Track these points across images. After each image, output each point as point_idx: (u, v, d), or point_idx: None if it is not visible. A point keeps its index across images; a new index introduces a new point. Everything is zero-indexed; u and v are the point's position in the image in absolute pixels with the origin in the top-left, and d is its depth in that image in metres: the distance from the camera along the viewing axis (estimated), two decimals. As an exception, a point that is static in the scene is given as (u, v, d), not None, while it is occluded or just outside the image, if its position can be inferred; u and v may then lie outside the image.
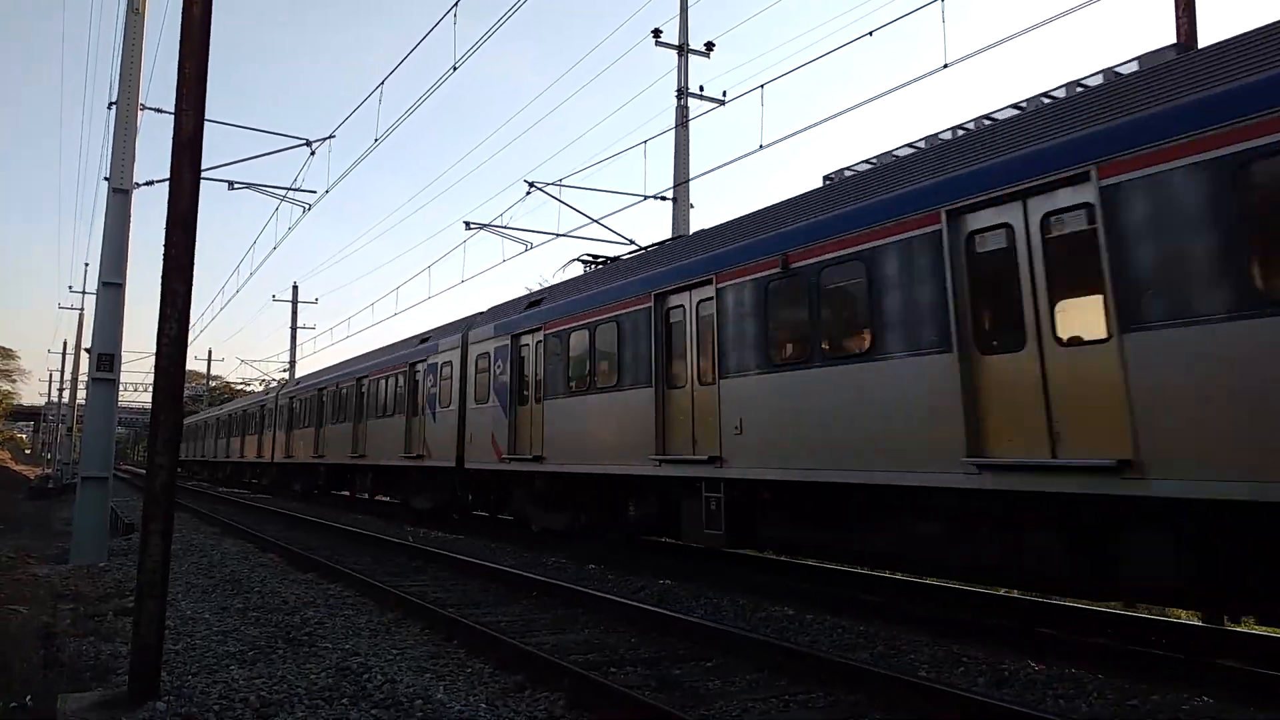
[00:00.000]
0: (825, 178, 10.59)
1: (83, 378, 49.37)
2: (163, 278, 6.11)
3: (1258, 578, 6.16)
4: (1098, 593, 7.67)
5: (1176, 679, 6.34)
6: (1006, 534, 7.61)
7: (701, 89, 19.52)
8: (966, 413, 7.59)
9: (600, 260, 16.46)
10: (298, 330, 50.09)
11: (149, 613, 5.77)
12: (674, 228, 19.05)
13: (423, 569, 12.69)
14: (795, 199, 10.69)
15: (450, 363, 18.74)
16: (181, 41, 6.34)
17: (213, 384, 79.55)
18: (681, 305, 11.75)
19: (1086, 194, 6.89)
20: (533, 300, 16.32)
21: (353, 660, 6.94)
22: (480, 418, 17.02)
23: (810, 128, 15.21)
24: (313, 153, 18.83)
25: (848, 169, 10.32)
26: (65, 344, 74.87)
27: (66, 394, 62.01)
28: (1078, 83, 8.08)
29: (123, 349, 14.26)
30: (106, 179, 14.50)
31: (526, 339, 15.88)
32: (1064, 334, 7.10)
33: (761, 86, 15.24)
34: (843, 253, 9.02)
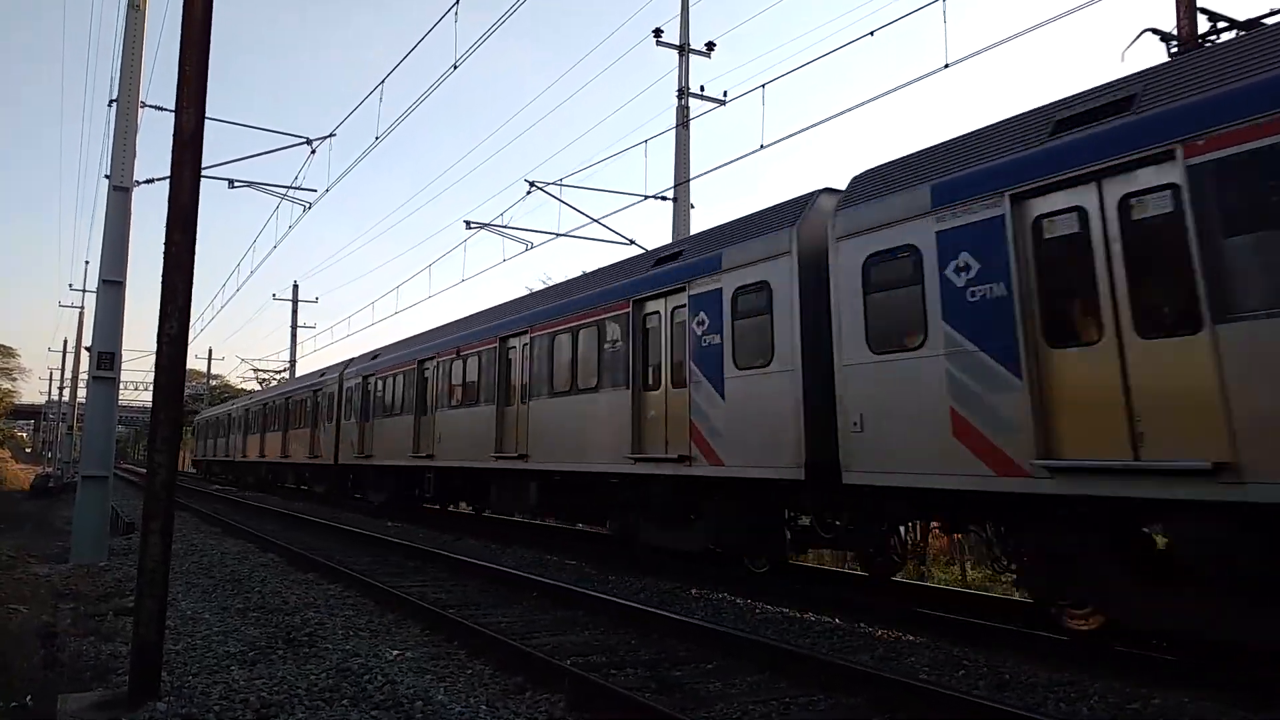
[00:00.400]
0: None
1: (83, 376, 49.44)
2: (163, 276, 6.10)
3: None
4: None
5: (1177, 682, 6.33)
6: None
7: (702, 89, 19.53)
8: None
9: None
10: (298, 329, 50.14)
11: (149, 612, 5.76)
12: (674, 228, 19.04)
13: (422, 569, 12.68)
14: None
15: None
16: (182, 39, 6.33)
17: (213, 382, 79.49)
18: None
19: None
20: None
21: (353, 661, 6.93)
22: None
23: (811, 128, 15.28)
24: (313, 151, 18.85)
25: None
26: (65, 342, 74.92)
27: (67, 392, 62.03)
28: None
29: (123, 347, 14.25)
30: (107, 176, 14.49)
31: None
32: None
33: (762, 86, 15.25)
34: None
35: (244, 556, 14.11)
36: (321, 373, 30.21)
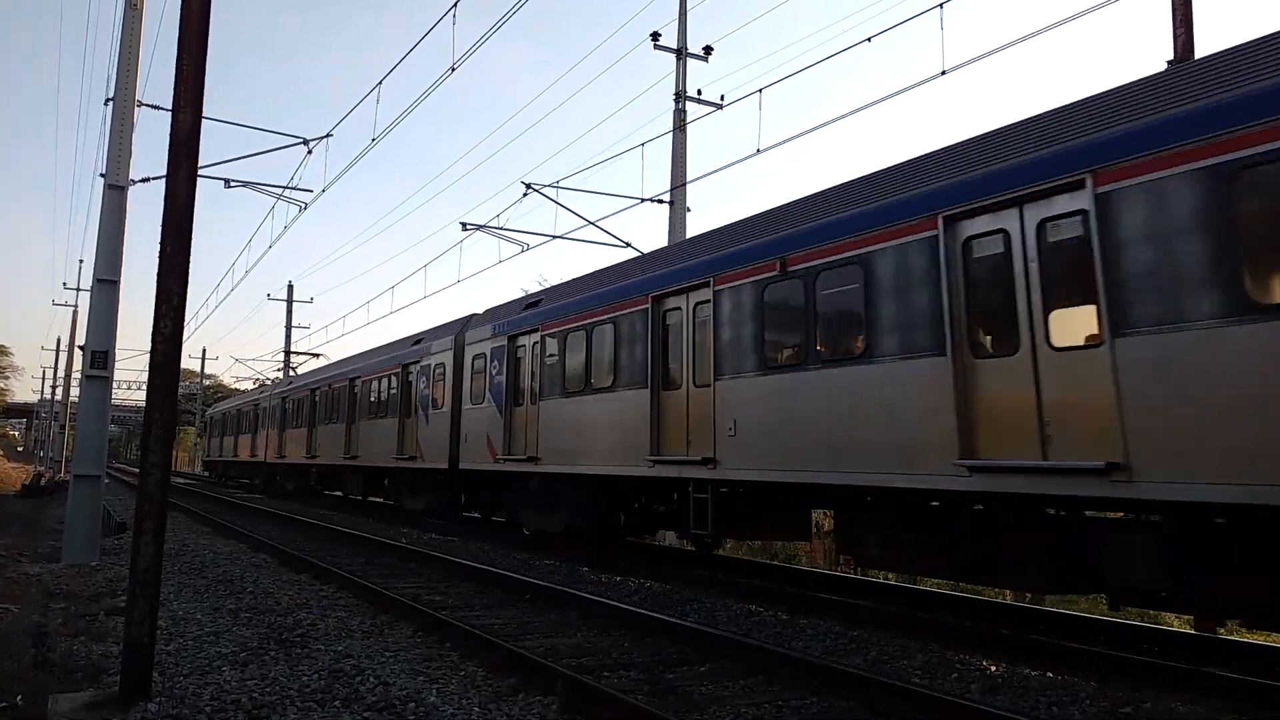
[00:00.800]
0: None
1: (76, 375, 49.31)
2: (158, 275, 6.09)
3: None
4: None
5: (1168, 686, 6.35)
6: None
7: (699, 92, 19.56)
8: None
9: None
10: (293, 329, 50.07)
11: (141, 612, 5.74)
12: (671, 231, 19.06)
13: (417, 571, 12.66)
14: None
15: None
16: (180, 38, 6.32)
17: (206, 382, 79.34)
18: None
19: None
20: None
21: (345, 662, 6.92)
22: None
23: (808, 132, 15.29)
24: (310, 151, 18.85)
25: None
26: (59, 341, 74.71)
27: (60, 391, 61.81)
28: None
29: (117, 347, 14.22)
30: (103, 175, 14.46)
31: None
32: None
33: (759, 91, 15.30)
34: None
35: (236, 557, 14.07)
36: (416, 339, 21.48)
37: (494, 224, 21.14)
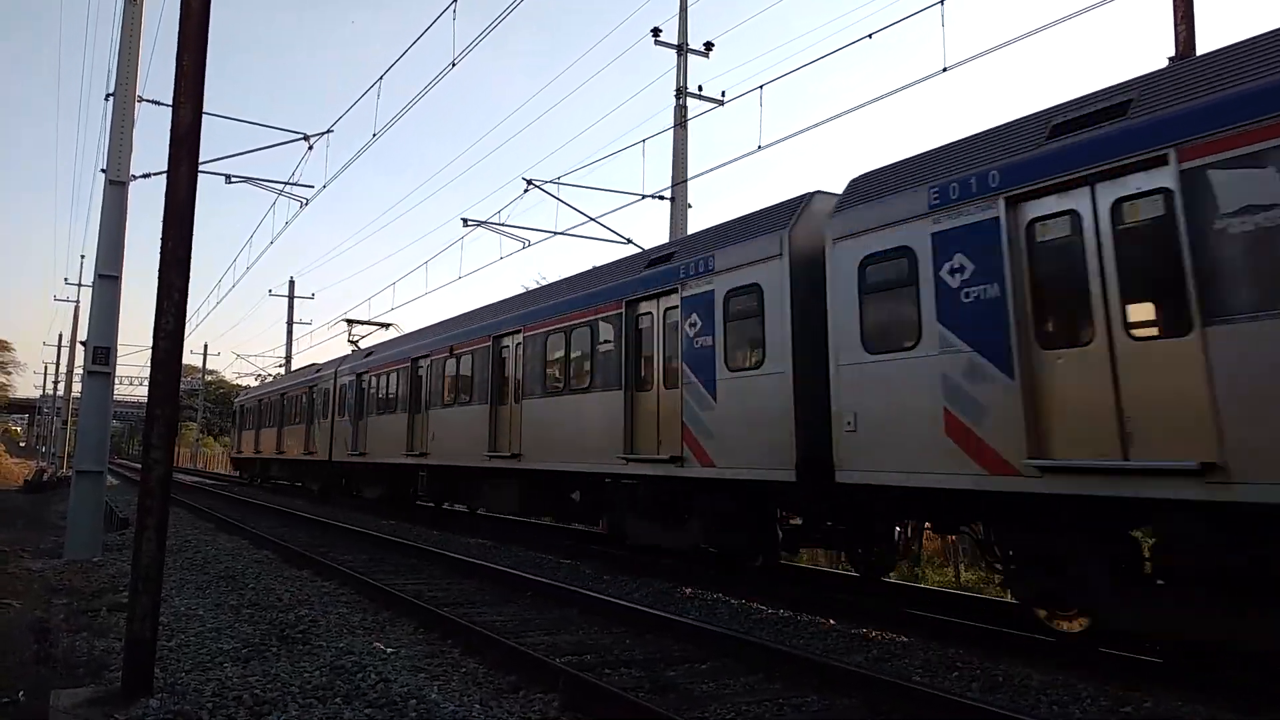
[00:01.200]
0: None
1: (78, 371, 49.34)
2: (159, 271, 6.09)
3: None
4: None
5: (1169, 685, 6.35)
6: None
7: (700, 89, 19.52)
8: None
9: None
10: (294, 325, 50.05)
11: (143, 608, 5.75)
12: (672, 227, 19.06)
13: (418, 567, 12.67)
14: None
15: None
16: (180, 33, 6.32)
17: (209, 378, 79.42)
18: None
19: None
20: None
21: (347, 659, 6.93)
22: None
23: (809, 129, 15.27)
24: (310, 147, 18.84)
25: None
26: (60, 336, 74.79)
27: (61, 387, 61.86)
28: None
29: (118, 342, 14.23)
30: (103, 171, 14.46)
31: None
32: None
33: (760, 87, 15.26)
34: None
35: (238, 553, 14.09)
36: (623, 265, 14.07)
37: (495, 220, 21.14)
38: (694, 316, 11.17)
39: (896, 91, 13.27)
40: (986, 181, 7.73)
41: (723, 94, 19.44)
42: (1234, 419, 5.88)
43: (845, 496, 9.07)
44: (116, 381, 14.96)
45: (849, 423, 8.76)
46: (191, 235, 6.20)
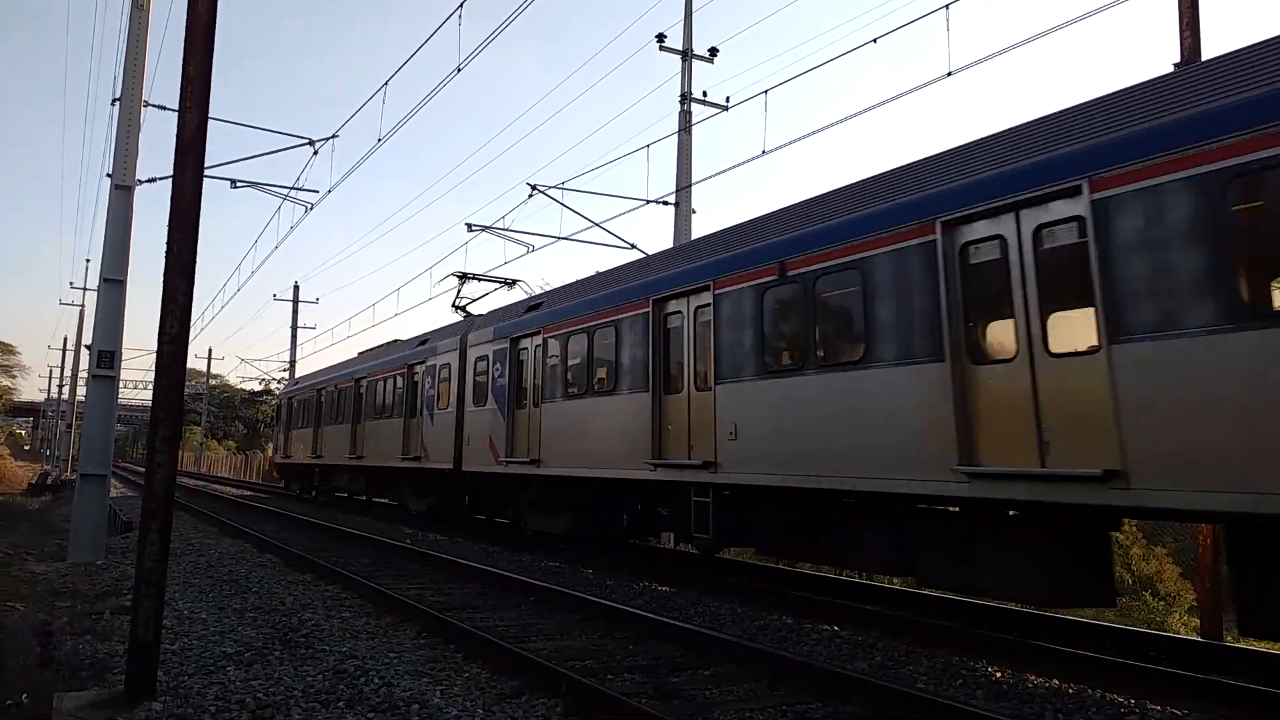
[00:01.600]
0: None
1: (82, 374, 49.40)
2: (164, 276, 6.10)
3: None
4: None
5: (1173, 692, 6.32)
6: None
7: (705, 94, 19.53)
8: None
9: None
10: (298, 330, 50.12)
11: (146, 612, 5.75)
12: (675, 232, 19.05)
13: (420, 572, 12.66)
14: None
15: None
16: (186, 39, 6.34)
17: (213, 382, 79.56)
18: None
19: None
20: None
21: (349, 663, 6.92)
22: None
23: (813, 134, 15.26)
24: (316, 152, 18.92)
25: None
26: (65, 340, 74.95)
27: (66, 390, 61.96)
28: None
29: (123, 346, 14.25)
30: (109, 175, 14.51)
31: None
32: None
33: (765, 92, 15.26)
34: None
35: (241, 557, 14.09)
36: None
37: (499, 225, 21.15)
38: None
39: (901, 96, 13.27)
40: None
41: (727, 99, 19.47)
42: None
43: None
44: (121, 385, 14.96)
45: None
46: (197, 240, 6.21)
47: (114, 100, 15.00)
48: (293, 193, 20.33)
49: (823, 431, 9.02)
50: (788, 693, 6.36)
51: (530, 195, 20.19)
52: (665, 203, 19.32)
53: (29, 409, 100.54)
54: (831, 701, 6.10)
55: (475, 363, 18.05)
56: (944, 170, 8.44)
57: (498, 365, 16.86)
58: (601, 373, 13.51)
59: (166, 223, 6.16)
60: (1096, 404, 6.61)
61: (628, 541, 14.91)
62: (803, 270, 9.54)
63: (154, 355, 6.21)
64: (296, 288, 50.50)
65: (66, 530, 15.41)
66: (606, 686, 6.11)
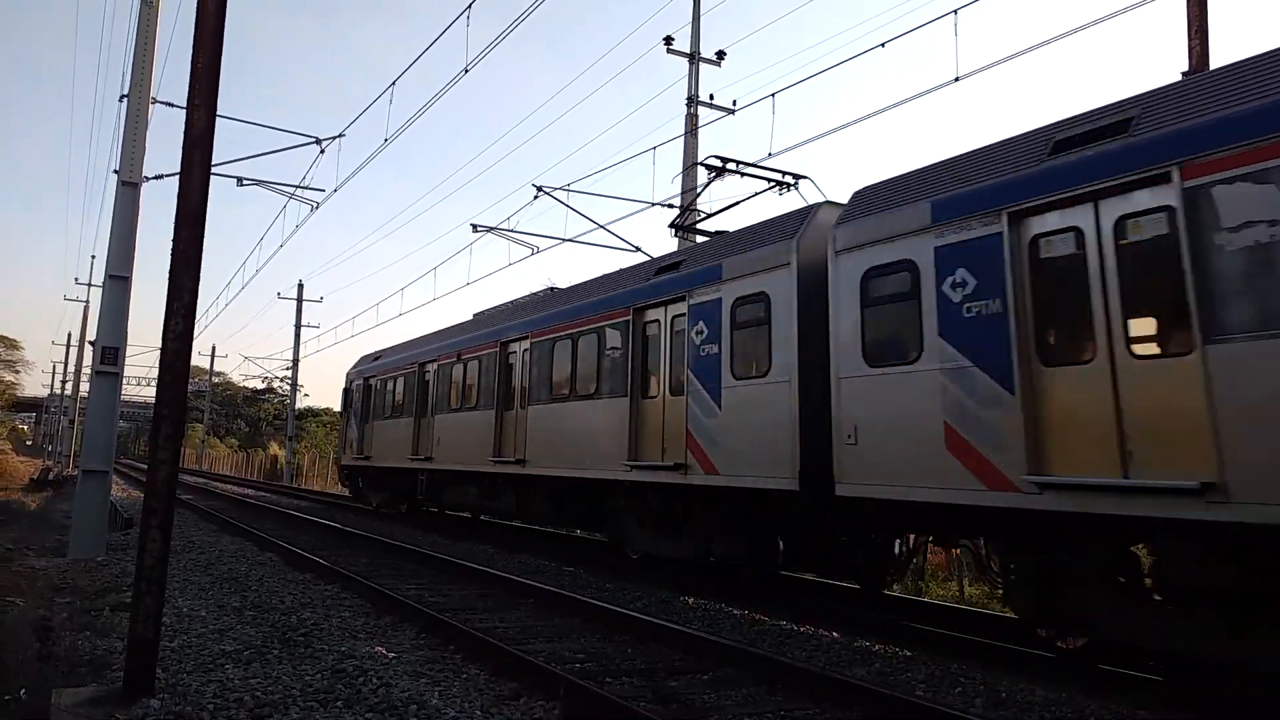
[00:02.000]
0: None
1: (85, 370, 49.48)
2: (170, 273, 6.11)
3: None
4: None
5: (1172, 704, 6.30)
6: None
7: (712, 97, 19.58)
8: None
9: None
10: (301, 328, 50.20)
11: (146, 609, 5.76)
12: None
13: (420, 572, 12.66)
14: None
15: None
16: (195, 36, 6.35)
17: (215, 379, 79.66)
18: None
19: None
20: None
21: (348, 663, 6.92)
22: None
23: (820, 137, 15.22)
24: (322, 151, 18.91)
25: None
26: (69, 336, 75.08)
27: (69, 386, 62.05)
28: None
29: (127, 343, 14.27)
30: (116, 172, 14.52)
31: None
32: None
33: (772, 95, 15.26)
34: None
35: (242, 555, 14.09)
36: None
37: (504, 226, 21.14)
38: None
39: (908, 100, 13.28)
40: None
41: (734, 103, 19.50)
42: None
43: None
44: (124, 382, 14.97)
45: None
46: (203, 237, 6.22)
47: (122, 97, 15.03)
48: (299, 191, 20.32)
49: None
50: (786, 698, 6.35)
51: (536, 196, 20.17)
52: (671, 205, 19.32)
53: (31, 404, 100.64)
54: (830, 707, 6.09)
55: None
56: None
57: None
58: None
59: (173, 219, 6.17)
60: None
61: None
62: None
63: (158, 352, 6.22)
64: (301, 286, 50.55)
65: (67, 526, 15.42)
66: (605, 689, 6.11)
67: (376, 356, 25.27)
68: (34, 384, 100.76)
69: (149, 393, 68.96)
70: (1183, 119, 6.56)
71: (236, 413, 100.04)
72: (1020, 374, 7.26)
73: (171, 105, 15.84)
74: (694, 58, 19.70)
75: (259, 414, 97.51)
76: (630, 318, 12.74)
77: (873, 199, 9.16)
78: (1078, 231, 7.10)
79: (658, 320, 12.34)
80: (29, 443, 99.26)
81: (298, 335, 50.32)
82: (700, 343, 11.14)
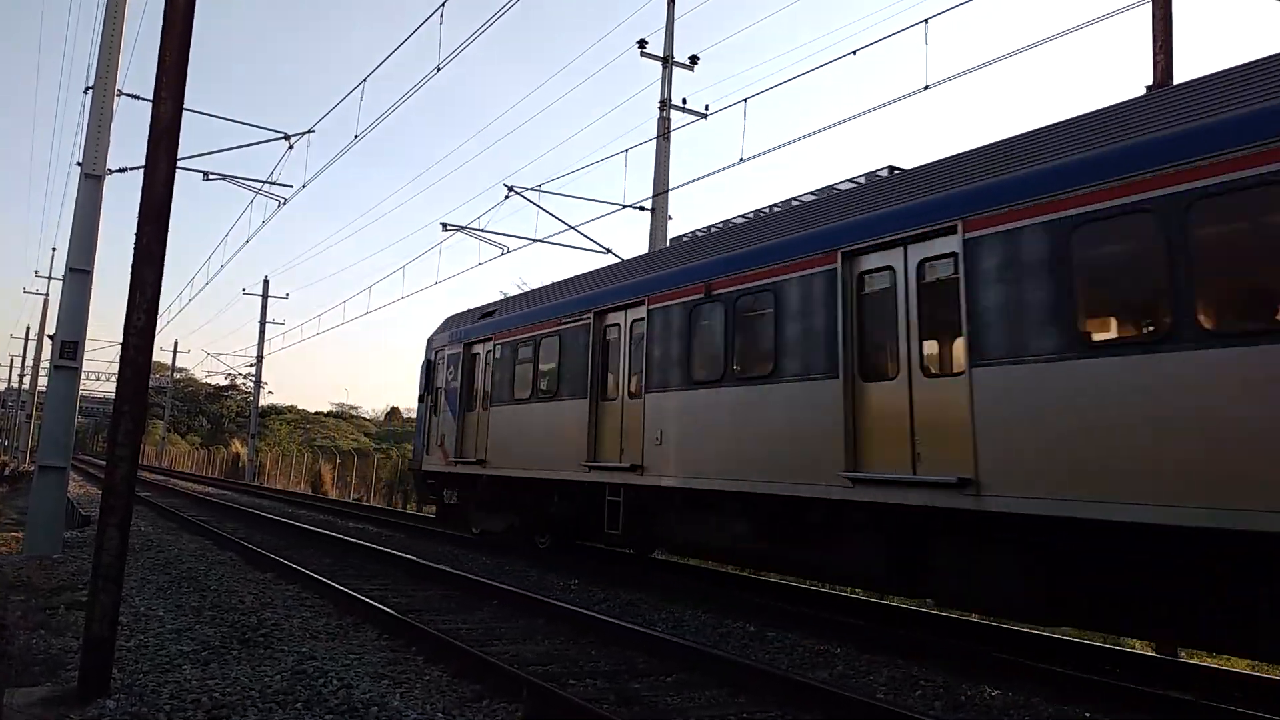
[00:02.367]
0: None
1: (44, 364, 48.55)
2: (133, 267, 6.03)
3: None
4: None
5: (1128, 708, 6.41)
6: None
7: (685, 101, 19.63)
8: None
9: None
10: (266, 325, 49.66)
11: (102, 607, 5.67)
12: (651, 238, 19.09)
13: (384, 572, 12.57)
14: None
15: None
16: (163, 27, 6.28)
17: (177, 375, 78.50)
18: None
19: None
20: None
21: (309, 664, 6.85)
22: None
23: (791, 143, 15.35)
24: (291, 147, 18.73)
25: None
26: (28, 329, 73.57)
27: (27, 380, 60.83)
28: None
29: (87, 337, 14.04)
30: (79, 164, 14.29)
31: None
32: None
33: (744, 100, 15.37)
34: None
35: (202, 554, 13.91)
36: None
37: (475, 226, 21.05)
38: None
39: (879, 108, 13.43)
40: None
41: (706, 107, 19.59)
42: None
43: None
44: (83, 376, 14.73)
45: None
46: (167, 232, 6.14)
47: (87, 88, 14.79)
48: (266, 187, 20.10)
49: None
50: (749, 700, 6.38)
51: (507, 196, 20.15)
52: (641, 208, 19.37)
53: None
54: (792, 710, 6.13)
55: None
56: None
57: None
58: None
59: (136, 213, 6.09)
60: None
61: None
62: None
63: (118, 347, 6.12)
64: (266, 283, 50.04)
65: (23, 522, 15.12)
66: (568, 691, 6.10)
67: (488, 312, 16.90)
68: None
69: (109, 388, 67.73)
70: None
71: (199, 409, 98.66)
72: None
73: (138, 98, 15.58)
74: (667, 61, 19.75)
75: (221, 411, 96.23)
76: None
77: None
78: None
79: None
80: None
81: (262, 331, 49.81)
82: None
